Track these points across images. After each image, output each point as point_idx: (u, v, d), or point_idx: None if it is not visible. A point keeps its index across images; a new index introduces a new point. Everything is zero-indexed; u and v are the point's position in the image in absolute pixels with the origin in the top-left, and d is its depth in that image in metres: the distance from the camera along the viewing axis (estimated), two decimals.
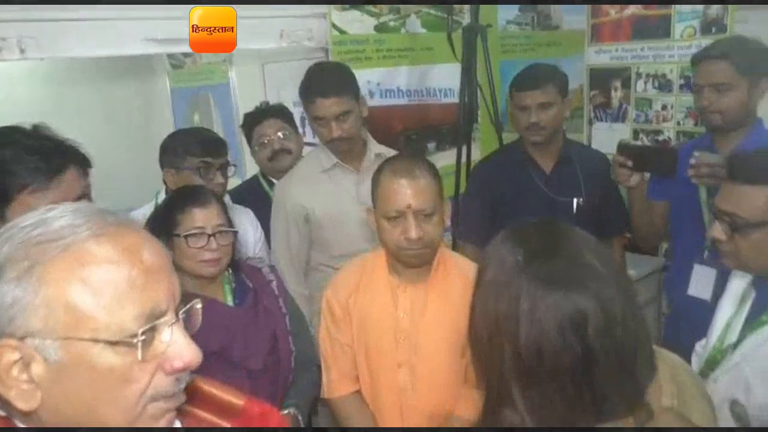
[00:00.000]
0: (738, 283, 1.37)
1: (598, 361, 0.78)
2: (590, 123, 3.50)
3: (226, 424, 0.81)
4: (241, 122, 2.45)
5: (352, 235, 1.98)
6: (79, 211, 0.68)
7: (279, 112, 2.33)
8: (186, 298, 0.73)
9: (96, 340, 0.63)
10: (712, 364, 1.31)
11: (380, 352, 1.52)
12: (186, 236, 1.53)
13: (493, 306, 0.84)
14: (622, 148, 1.92)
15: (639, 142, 3.19)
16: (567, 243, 0.85)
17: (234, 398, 0.87)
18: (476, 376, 0.92)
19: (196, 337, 1.49)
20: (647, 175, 1.98)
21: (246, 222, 2.06)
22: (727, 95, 1.79)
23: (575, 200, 2.06)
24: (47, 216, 0.67)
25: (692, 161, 1.72)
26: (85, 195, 1.29)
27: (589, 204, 2.08)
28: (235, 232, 1.62)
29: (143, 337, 0.66)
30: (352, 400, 1.58)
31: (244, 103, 2.99)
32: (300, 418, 1.62)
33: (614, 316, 0.79)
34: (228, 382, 1.44)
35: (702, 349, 1.43)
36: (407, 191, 1.40)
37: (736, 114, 1.81)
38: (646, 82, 3.24)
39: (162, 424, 0.70)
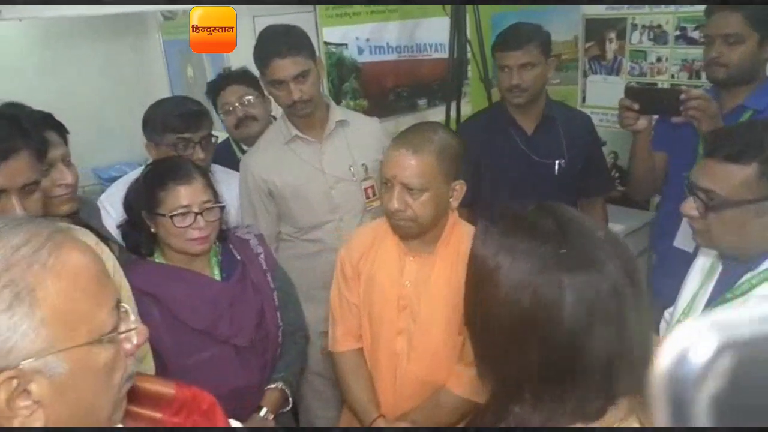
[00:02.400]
0: (705, 256, 1.37)
1: (619, 346, 0.78)
2: (585, 75, 3.46)
3: (159, 415, 0.83)
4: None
5: (315, 207, 1.96)
6: (18, 227, 0.66)
7: (241, 78, 2.24)
8: None
9: (92, 342, 0.65)
10: None
11: (382, 317, 1.54)
12: (172, 216, 1.46)
13: (527, 303, 0.78)
14: (629, 91, 1.90)
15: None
16: (583, 228, 0.83)
17: (163, 387, 0.88)
18: (483, 372, 0.88)
19: (183, 314, 1.52)
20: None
21: (234, 183, 2.03)
22: (736, 48, 1.78)
23: (557, 162, 2.07)
24: None
25: (681, 97, 1.73)
26: (37, 182, 1.22)
27: (571, 166, 2.08)
28: (222, 207, 1.56)
29: (135, 326, 0.70)
30: (352, 357, 1.61)
31: (237, 57, 2.97)
32: (288, 391, 1.63)
33: (640, 291, 0.80)
34: (216, 358, 1.52)
35: (670, 316, 1.44)
36: (398, 162, 1.39)
37: (743, 68, 1.80)
38: (641, 34, 3.19)
39: (125, 404, 0.74)
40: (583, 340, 0.77)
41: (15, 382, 0.61)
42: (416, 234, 1.47)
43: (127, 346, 0.71)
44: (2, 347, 0.60)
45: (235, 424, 0.95)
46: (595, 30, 3.36)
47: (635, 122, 1.86)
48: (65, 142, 1.57)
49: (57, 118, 1.61)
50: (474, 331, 0.87)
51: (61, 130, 1.56)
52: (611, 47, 3.32)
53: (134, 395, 0.80)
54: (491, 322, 0.83)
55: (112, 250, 1.69)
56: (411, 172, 1.38)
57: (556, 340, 0.77)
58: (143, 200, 1.52)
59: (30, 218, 0.70)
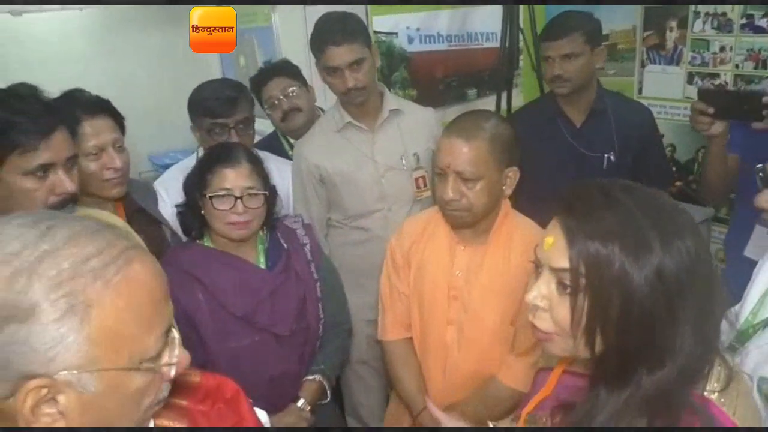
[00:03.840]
0: None
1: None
2: (642, 66, 3.34)
3: (185, 402, 0.82)
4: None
5: (365, 195, 1.96)
6: (96, 233, 0.65)
7: (284, 70, 2.23)
8: None
9: (131, 368, 0.64)
10: (743, 338, 1.26)
11: (432, 307, 1.53)
12: (211, 197, 1.49)
13: (667, 280, 0.78)
14: (703, 93, 1.80)
15: (714, 87, 3.00)
16: (656, 197, 0.85)
17: (189, 376, 0.85)
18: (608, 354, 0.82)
19: (225, 299, 1.53)
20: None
21: (286, 172, 2.04)
22: None
23: (606, 156, 2.01)
24: (70, 238, 0.62)
25: (765, 99, 1.63)
26: (76, 156, 1.30)
27: (621, 160, 2.02)
28: (266, 194, 1.56)
29: (177, 360, 0.68)
30: (402, 346, 1.61)
31: (288, 46, 3.00)
32: (326, 383, 1.64)
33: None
34: (255, 345, 1.53)
35: (734, 317, 1.34)
36: (451, 150, 1.38)
37: None
38: (704, 22, 3.05)
39: (150, 420, 0.72)
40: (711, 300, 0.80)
41: (45, 390, 0.60)
42: (469, 223, 1.46)
43: (167, 372, 0.70)
44: (45, 355, 0.59)
45: (260, 413, 0.93)
46: (654, 18, 3.23)
47: (709, 127, 1.77)
48: (121, 128, 1.61)
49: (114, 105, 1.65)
50: (607, 329, 0.81)
51: (116, 116, 1.60)
52: (671, 36, 3.19)
53: None
54: (633, 312, 0.78)
55: (164, 234, 1.75)
56: (464, 160, 1.37)
57: (700, 303, 0.79)
58: (195, 182, 1.56)
59: (107, 226, 0.67)
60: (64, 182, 1.23)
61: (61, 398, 0.60)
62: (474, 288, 1.48)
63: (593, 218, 0.81)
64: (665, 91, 3.18)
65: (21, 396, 0.59)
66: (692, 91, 3.13)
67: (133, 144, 2.18)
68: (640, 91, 3.37)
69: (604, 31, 3.32)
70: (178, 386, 0.82)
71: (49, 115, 1.23)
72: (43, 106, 1.24)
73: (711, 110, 1.74)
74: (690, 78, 3.16)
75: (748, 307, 1.30)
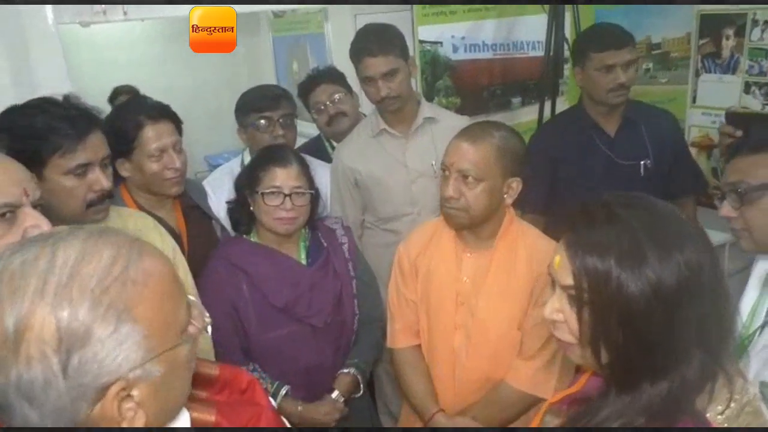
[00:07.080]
0: (762, 266, 1.33)
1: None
2: (697, 74, 3.26)
3: (205, 393, 0.87)
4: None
5: (395, 198, 2.03)
6: (101, 238, 0.68)
7: (330, 77, 2.33)
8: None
9: (179, 344, 0.70)
10: (739, 350, 1.27)
11: (439, 313, 1.56)
12: (263, 194, 1.60)
13: (668, 288, 0.79)
14: (731, 116, 1.81)
15: (747, 108, 2.93)
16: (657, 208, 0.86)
17: (208, 369, 0.91)
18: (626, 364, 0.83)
19: (267, 290, 1.62)
20: None
21: (327, 176, 2.13)
22: None
23: (642, 163, 2.00)
24: (83, 255, 0.65)
25: None
26: (109, 156, 1.42)
27: (658, 166, 2.01)
28: (312, 194, 1.67)
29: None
30: (411, 353, 1.63)
31: (339, 52, 3.09)
32: (360, 377, 1.71)
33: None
34: (293, 335, 1.63)
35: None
36: (457, 150, 1.45)
37: None
38: (763, 30, 2.95)
39: None
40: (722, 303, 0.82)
41: (123, 392, 0.65)
42: (466, 225, 1.49)
43: (192, 330, 0.75)
44: (112, 365, 0.63)
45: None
46: (710, 26, 3.15)
47: None
48: (179, 131, 1.72)
49: (173, 108, 1.77)
50: (609, 341, 0.83)
51: (175, 120, 1.72)
52: (728, 44, 3.10)
53: None
54: (631, 325, 0.80)
55: (215, 229, 1.88)
56: (468, 160, 1.42)
57: (706, 300, 0.80)
58: (247, 179, 1.67)
59: (103, 229, 0.71)
60: (101, 180, 1.36)
61: (135, 392, 0.66)
62: (481, 293, 1.51)
63: (593, 234, 0.83)
64: (721, 100, 3.09)
65: (107, 404, 0.64)
66: (749, 101, 3.04)
67: (190, 145, 2.32)
68: (694, 99, 3.29)
69: (657, 39, 3.28)
70: (199, 379, 0.86)
71: (84, 119, 1.35)
72: (78, 110, 1.36)
73: (739, 133, 1.73)
74: (747, 87, 3.06)
75: (740, 322, 1.32)
